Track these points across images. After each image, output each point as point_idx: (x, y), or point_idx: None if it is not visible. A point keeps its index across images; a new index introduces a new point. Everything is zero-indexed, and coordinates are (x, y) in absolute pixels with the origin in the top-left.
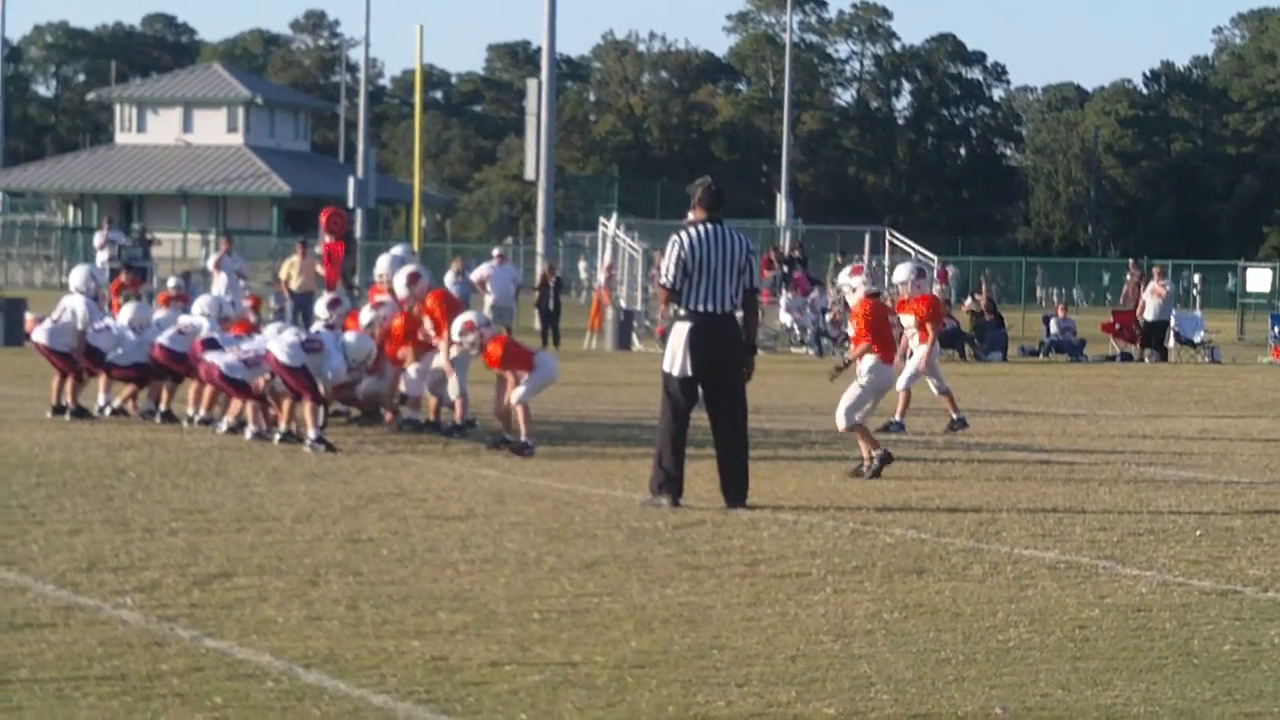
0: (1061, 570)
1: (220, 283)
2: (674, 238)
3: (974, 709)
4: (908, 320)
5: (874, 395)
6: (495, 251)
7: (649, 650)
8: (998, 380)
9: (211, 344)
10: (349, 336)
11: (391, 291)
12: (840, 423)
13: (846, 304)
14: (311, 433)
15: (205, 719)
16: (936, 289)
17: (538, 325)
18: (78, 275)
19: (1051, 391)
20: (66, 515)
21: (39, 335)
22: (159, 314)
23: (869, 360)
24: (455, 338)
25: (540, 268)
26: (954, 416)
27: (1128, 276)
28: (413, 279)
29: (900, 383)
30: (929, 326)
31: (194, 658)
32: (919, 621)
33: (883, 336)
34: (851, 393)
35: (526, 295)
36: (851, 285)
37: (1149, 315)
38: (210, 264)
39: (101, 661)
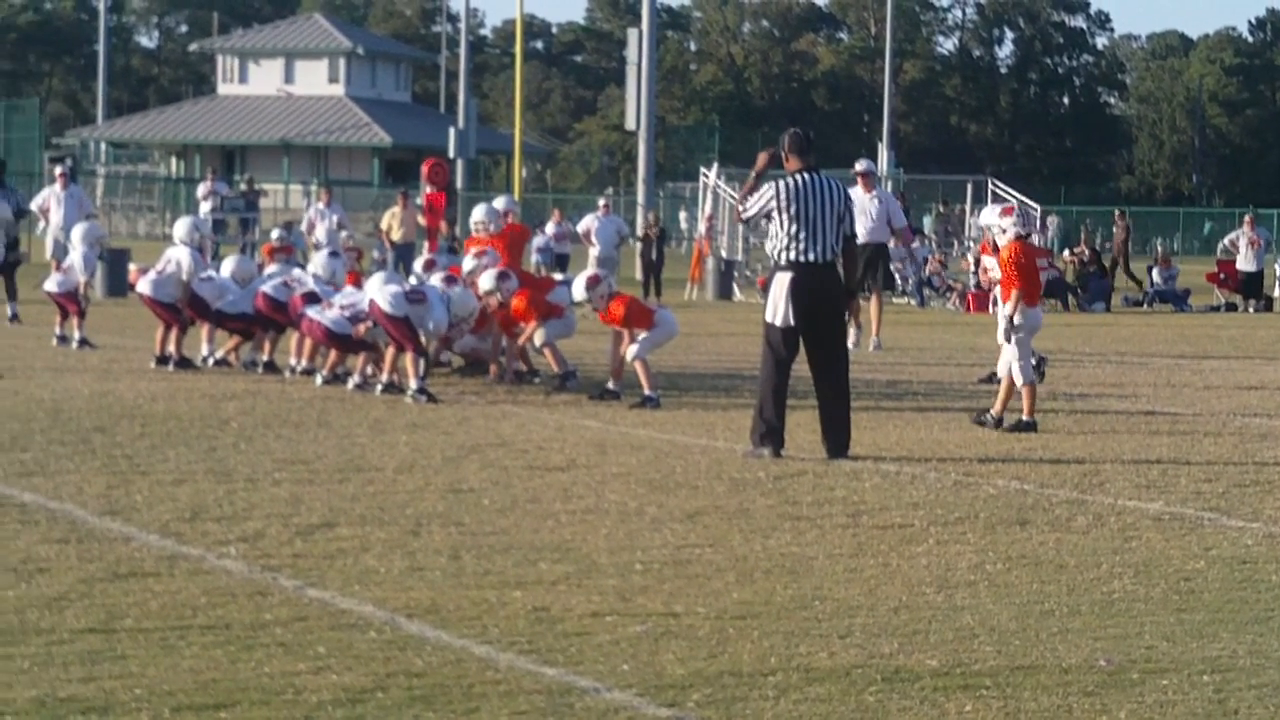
0: (1166, 522)
1: (321, 233)
2: (768, 185)
3: (1078, 661)
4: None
5: (1026, 338)
6: (600, 202)
7: (751, 601)
8: (1101, 331)
9: (312, 298)
10: (455, 291)
11: (493, 239)
12: (1018, 380)
13: (987, 248)
14: (413, 383)
15: (308, 669)
16: (1037, 239)
17: (638, 276)
18: (181, 227)
19: (1155, 342)
20: (170, 465)
21: (144, 286)
22: (269, 269)
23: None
24: (580, 294)
25: (640, 219)
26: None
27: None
28: (502, 277)
29: (1000, 337)
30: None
31: (297, 608)
32: (1022, 573)
33: (1030, 280)
34: (1010, 346)
35: (630, 247)
36: (1002, 226)
37: (1245, 265)
38: (308, 217)
39: (205, 611)
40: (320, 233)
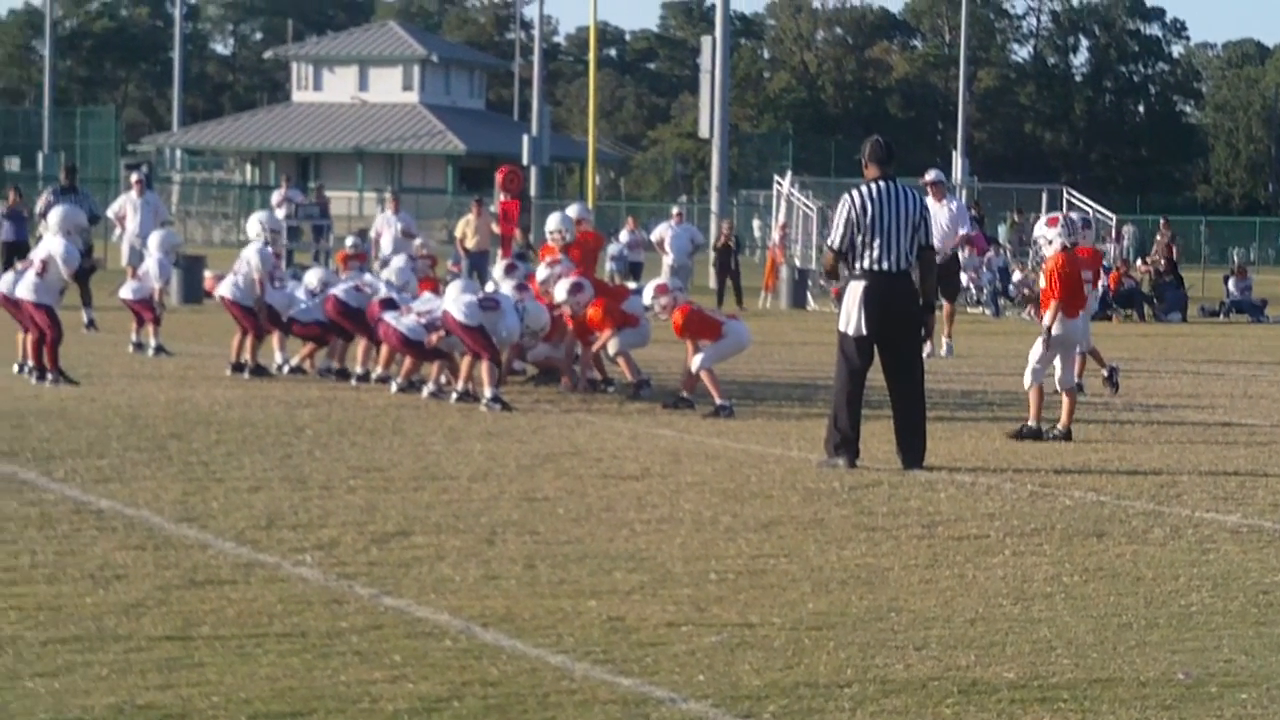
0: (1244, 534)
1: (388, 241)
2: (845, 197)
3: (1156, 674)
4: None
5: (1058, 350)
6: (674, 211)
7: (826, 612)
8: (1177, 341)
9: (389, 304)
10: (530, 304)
11: (564, 249)
12: (1025, 381)
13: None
14: (487, 391)
15: (384, 677)
16: (1112, 249)
17: (712, 285)
18: (253, 224)
19: (1232, 352)
20: (246, 473)
21: (225, 290)
22: (341, 277)
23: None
24: (648, 301)
25: (714, 227)
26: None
27: None
28: (575, 289)
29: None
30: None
31: (372, 615)
32: (1099, 585)
33: (1072, 292)
34: (1036, 349)
35: (704, 255)
36: (1047, 237)
37: None
38: (376, 225)
39: (281, 619)
40: (387, 241)
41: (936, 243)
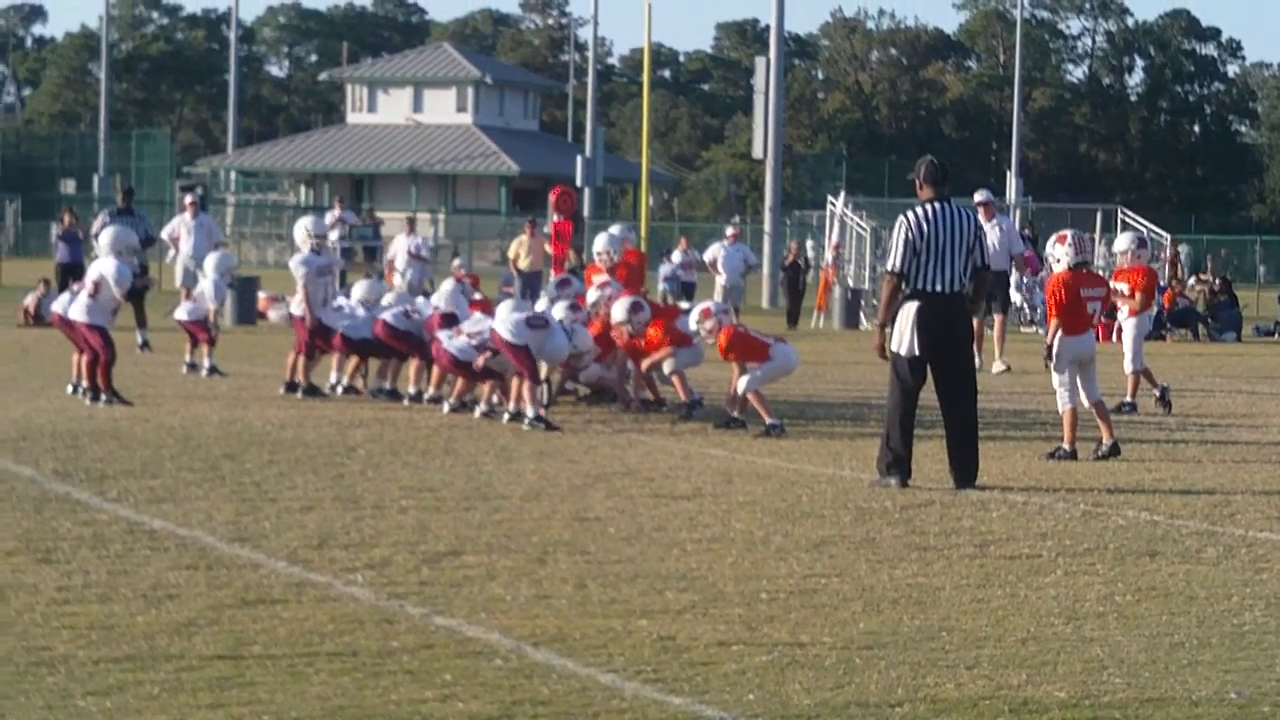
0: None
1: (402, 260)
2: (900, 218)
3: (1209, 693)
4: (1123, 288)
5: (1069, 367)
6: (729, 231)
7: (877, 631)
8: (1231, 361)
9: (448, 319)
10: (578, 325)
11: (611, 270)
12: (1060, 405)
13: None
14: (530, 411)
15: (435, 696)
16: (1167, 269)
17: (765, 304)
18: (298, 231)
19: None
20: (298, 492)
21: (297, 309)
22: (390, 295)
23: (1057, 336)
24: (693, 325)
25: (768, 247)
26: (1128, 401)
27: None
28: (635, 308)
29: (1128, 365)
30: (1139, 298)
31: (424, 635)
32: (1152, 605)
33: (1072, 312)
34: (1053, 372)
35: (757, 275)
36: (1055, 255)
37: None
38: (393, 249)
39: (333, 638)
40: (401, 261)
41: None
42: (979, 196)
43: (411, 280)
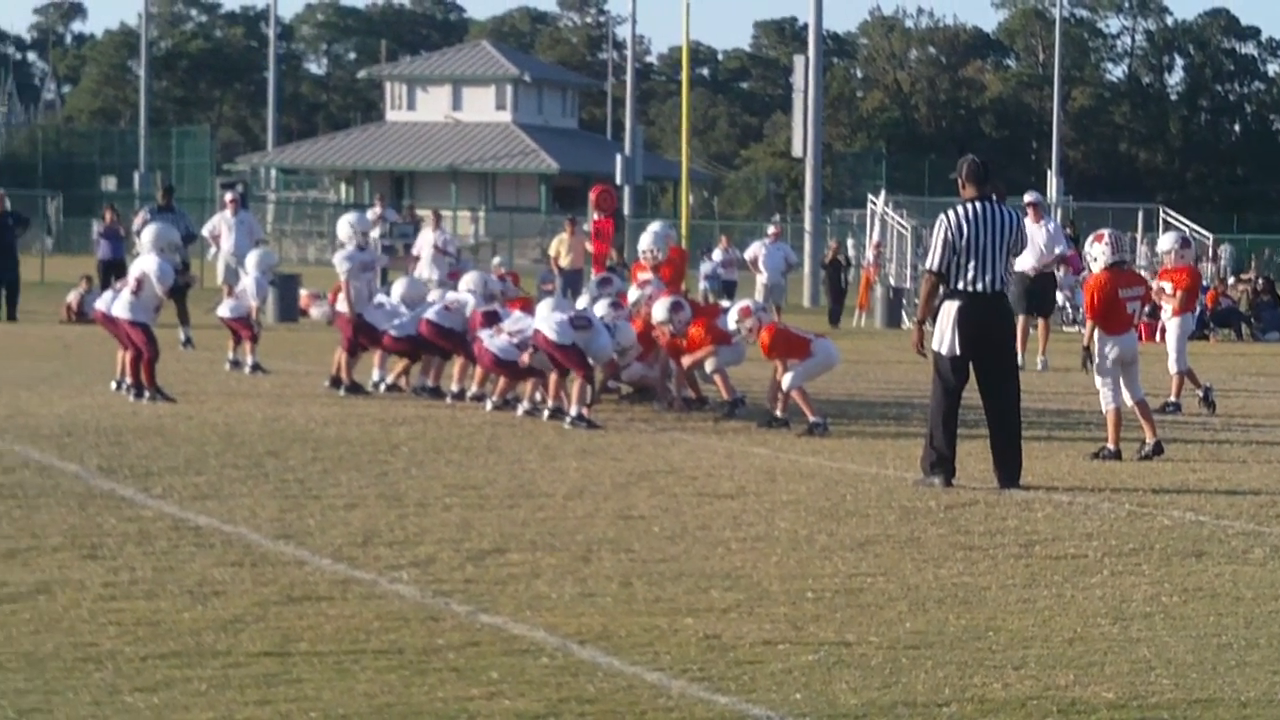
0: None
1: (426, 260)
2: (941, 217)
3: (1257, 694)
4: (1167, 287)
5: (1116, 368)
6: (770, 229)
7: (923, 631)
8: (1275, 360)
9: (490, 317)
10: (620, 322)
11: (655, 268)
12: (1102, 405)
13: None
14: (573, 410)
15: (481, 694)
16: (1209, 268)
17: (806, 303)
18: (342, 227)
19: None
20: (342, 490)
21: (342, 307)
22: (432, 295)
23: (1099, 337)
24: (732, 325)
25: (809, 246)
26: (1172, 401)
27: None
28: (676, 308)
29: (1172, 365)
30: (1181, 297)
31: (469, 632)
32: (1198, 605)
33: (1110, 312)
34: (1098, 374)
35: (798, 274)
36: (1093, 254)
37: None
38: (417, 245)
39: (378, 635)
40: (427, 254)
41: (1034, 261)
42: (1028, 197)
43: (439, 277)
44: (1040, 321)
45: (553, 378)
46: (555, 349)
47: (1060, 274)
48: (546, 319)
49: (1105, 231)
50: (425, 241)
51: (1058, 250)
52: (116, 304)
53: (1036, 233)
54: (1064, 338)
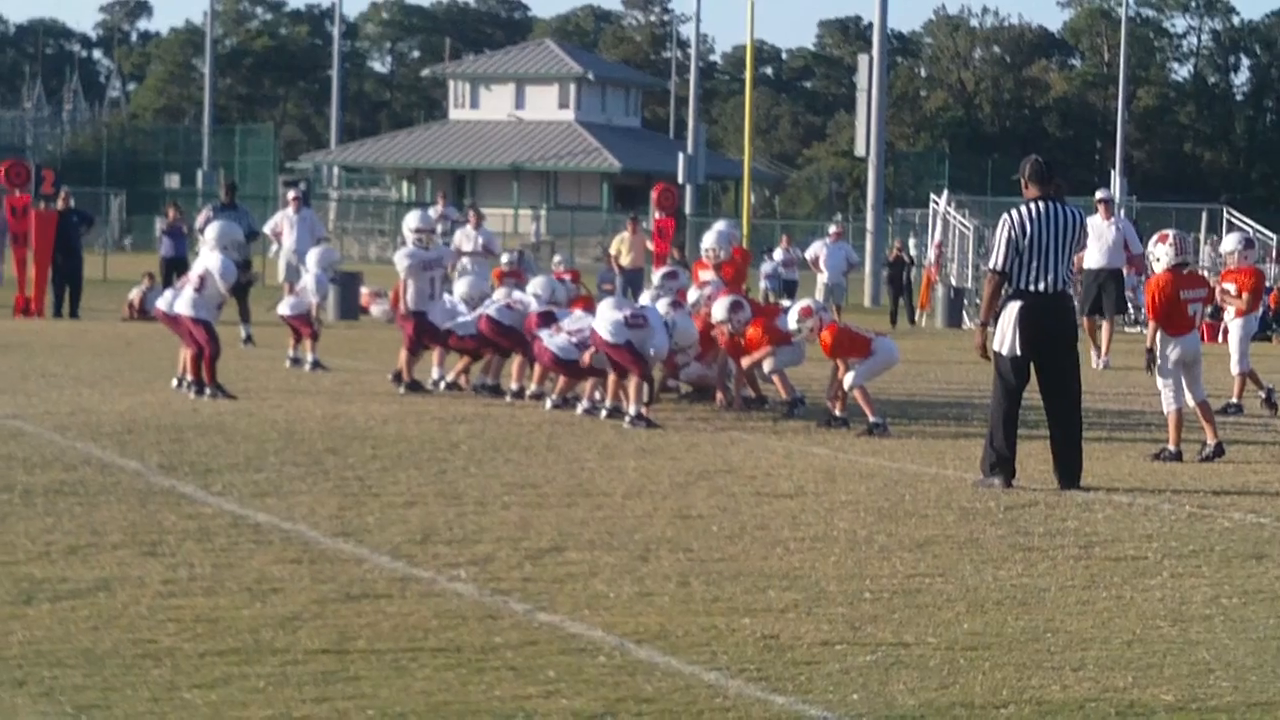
0: None
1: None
2: (1004, 217)
3: None
4: (1230, 288)
5: (1179, 369)
6: (832, 229)
7: (982, 632)
8: None
9: (547, 318)
10: (680, 320)
11: (717, 267)
12: (1164, 408)
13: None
14: (632, 409)
15: (538, 692)
16: (1273, 269)
17: (868, 303)
18: (409, 221)
19: None
20: (401, 488)
21: (406, 305)
22: (496, 293)
23: (1160, 338)
24: (793, 324)
25: (870, 245)
26: (1233, 402)
27: None
28: (735, 307)
29: (1234, 366)
30: (1245, 298)
31: (527, 631)
32: (1259, 608)
33: (1171, 313)
34: (1160, 375)
35: (859, 274)
36: (1156, 255)
37: None
38: (456, 240)
39: (436, 633)
40: (468, 247)
41: (1102, 259)
42: (1100, 194)
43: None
44: (1105, 321)
45: (612, 377)
46: (610, 348)
47: (1126, 274)
48: (603, 318)
49: (1170, 232)
50: (465, 239)
51: (1134, 250)
52: (179, 300)
53: (1106, 230)
54: (1126, 338)
